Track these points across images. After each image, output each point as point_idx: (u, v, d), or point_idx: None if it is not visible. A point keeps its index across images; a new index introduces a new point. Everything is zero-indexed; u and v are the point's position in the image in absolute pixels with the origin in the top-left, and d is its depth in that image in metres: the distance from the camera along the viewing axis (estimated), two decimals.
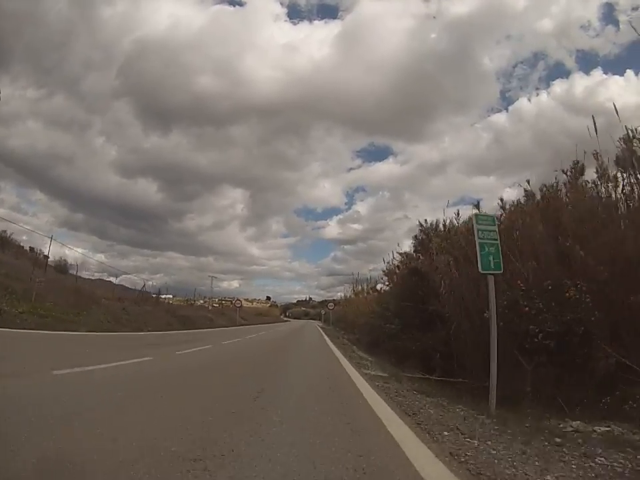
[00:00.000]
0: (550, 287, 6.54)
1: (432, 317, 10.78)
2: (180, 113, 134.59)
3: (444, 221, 11.83)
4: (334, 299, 33.94)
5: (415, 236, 14.32)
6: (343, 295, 33.28)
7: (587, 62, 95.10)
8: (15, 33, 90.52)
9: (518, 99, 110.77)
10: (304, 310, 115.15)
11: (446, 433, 3.08)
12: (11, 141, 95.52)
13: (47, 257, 17.69)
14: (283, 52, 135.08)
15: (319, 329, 33.92)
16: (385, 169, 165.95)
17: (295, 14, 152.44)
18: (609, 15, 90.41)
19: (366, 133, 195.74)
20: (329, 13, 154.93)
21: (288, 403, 3.83)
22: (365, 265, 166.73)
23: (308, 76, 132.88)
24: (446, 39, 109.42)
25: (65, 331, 9.49)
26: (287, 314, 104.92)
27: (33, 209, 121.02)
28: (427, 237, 11.32)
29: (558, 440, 3.10)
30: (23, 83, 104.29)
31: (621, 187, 6.58)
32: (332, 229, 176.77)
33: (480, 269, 5.51)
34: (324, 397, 4.37)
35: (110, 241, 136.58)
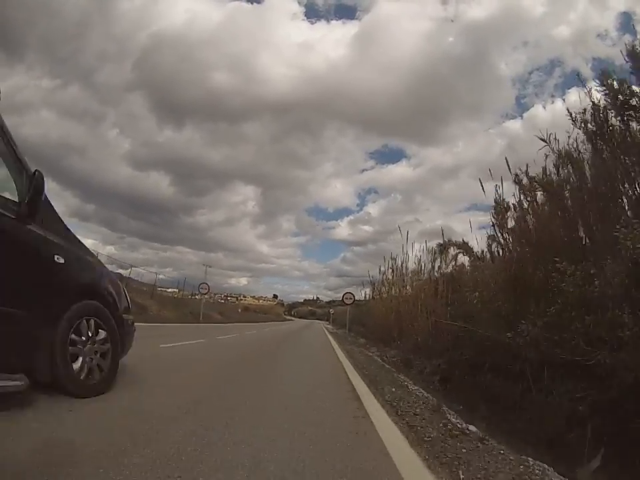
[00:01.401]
0: None
1: None
2: (194, 108, 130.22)
3: None
4: (351, 292, 22.46)
5: None
6: (367, 292, 20.29)
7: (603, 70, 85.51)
8: (31, 22, 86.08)
9: (533, 106, 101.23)
10: (310, 309, 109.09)
11: None
12: (24, 129, 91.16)
13: None
14: (298, 50, 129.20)
15: (327, 334, 21.32)
16: (397, 171, 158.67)
17: (312, 13, 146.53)
18: (627, 24, 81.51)
19: (380, 134, 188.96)
20: (346, 13, 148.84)
21: None
22: (374, 267, 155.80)
23: (323, 75, 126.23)
24: (463, 43, 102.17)
25: None
26: (292, 313, 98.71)
27: None
28: None
29: None
30: (37, 73, 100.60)
31: None
32: (342, 229, 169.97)
33: None
34: None
35: (120, 233, 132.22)
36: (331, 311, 51.23)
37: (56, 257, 2.47)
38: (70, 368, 2.47)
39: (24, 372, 2.15)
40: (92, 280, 2.92)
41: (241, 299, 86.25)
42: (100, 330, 2.77)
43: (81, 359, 2.57)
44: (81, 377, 2.56)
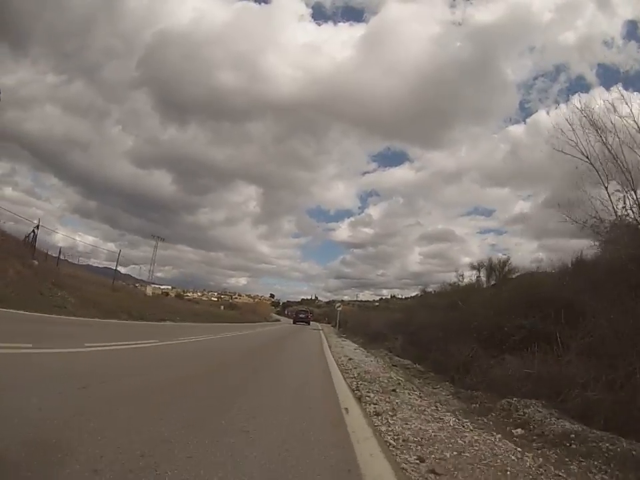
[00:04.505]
0: None
1: None
2: (198, 106, 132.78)
3: None
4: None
5: None
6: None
7: (608, 77, 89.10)
8: (37, 15, 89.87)
9: (537, 111, 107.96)
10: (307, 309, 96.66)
11: None
12: (29, 124, 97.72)
13: None
14: (304, 52, 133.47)
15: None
16: (399, 174, 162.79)
17: (319, 15, 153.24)
18: (633, 32, 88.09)
19: (383, 136, 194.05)
20: (354, 15, 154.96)
21: None
22: (373, 270, 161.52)
23: (328, 76, 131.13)
24: (470, 47, 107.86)
25: None
26: (286, 312, 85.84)
27: (47, 193, 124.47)
28: None
29: None
30: (42, 67, 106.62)
31: None
32: (343, 231, 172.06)
33: None
34: None
35: (121, 230, 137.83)
36: (339, 307, 33.71)
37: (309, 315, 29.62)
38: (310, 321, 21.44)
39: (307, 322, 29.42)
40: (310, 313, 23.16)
41: (235, 298, 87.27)
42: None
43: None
44: (310, 324, 20.48)
